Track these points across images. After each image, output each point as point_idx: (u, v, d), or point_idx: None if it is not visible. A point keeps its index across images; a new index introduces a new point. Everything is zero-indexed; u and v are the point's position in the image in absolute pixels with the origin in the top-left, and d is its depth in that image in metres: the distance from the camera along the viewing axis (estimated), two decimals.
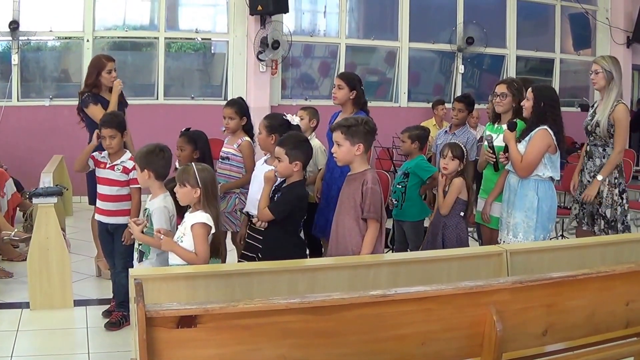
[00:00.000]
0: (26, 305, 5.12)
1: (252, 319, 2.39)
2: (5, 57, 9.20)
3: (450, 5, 11.09)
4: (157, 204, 4.17)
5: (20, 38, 9.04)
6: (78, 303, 5.18)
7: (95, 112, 5.71)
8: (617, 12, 11.67)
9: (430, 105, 10.64)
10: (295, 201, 4.20)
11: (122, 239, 4.72)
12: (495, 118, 5.29)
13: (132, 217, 4.69)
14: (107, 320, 4.82)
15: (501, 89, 5.16)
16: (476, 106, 7.92)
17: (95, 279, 5.91)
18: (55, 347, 4.49)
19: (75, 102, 9.09)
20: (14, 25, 8.85)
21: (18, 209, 7.22)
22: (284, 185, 4.26)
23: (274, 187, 4.33)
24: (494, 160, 5.04)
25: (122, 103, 5.92)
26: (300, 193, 4.25)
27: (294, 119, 4.94)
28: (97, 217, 5.01)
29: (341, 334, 2.58)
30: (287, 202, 4.16)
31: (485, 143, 5.08)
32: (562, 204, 6.68)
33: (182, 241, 3.85)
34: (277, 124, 4.83)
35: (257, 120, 5.31)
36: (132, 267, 4.18)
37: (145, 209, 4.25)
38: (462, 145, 5.17)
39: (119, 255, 4.79)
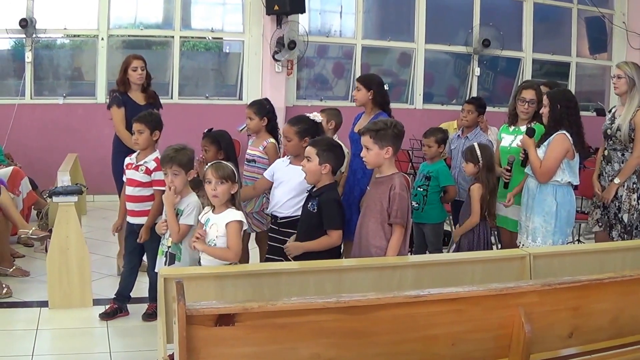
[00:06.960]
0: (45, 304, 5.11)
1: (289, 317, 2.41)
2: (18, 54, 9.19)
3: (466, 7, 11.03)
4: (192, 198, 4.18)
5: (34, 36, 8.99)
6: (97, 302, 5.17)
7: (116, 115, 5.79)
8: (634, 16, 11.52)
9: (444, 107, 10.69)
10: (339, 206, 4.14)
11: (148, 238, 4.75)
12: (513, 120, 5.29)
13: (151, 219, 4.73)
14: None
15: (530, 94, 5.13)
16: (489, 109, 7.89)
17: (113, 278, 5.82)
18: (77, 347, 4.48)
19: (89, 100, 9.24)
20: (28, 23, 8.80)
21: (32, 207, 7.24)
22: (315, 190, 4.19)
23: (306, 193, 4.30)
24: (508, 179, 5.09)
25: (152, 105, 5.88)
26: (337, 196, 4.22)
27: (317, 116, 4.89)
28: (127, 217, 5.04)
29: (374, 334, 2.61)
30: (336, 213, 4.08)
31: (506, 162, 5.10)
32: (580, 209, 6.66)
33: (215, 244, 3.86)
34: (306, 127, 4.71)
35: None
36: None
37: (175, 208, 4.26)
38: (475, 147, 5.15)
39: (151, 254, 4.80)
